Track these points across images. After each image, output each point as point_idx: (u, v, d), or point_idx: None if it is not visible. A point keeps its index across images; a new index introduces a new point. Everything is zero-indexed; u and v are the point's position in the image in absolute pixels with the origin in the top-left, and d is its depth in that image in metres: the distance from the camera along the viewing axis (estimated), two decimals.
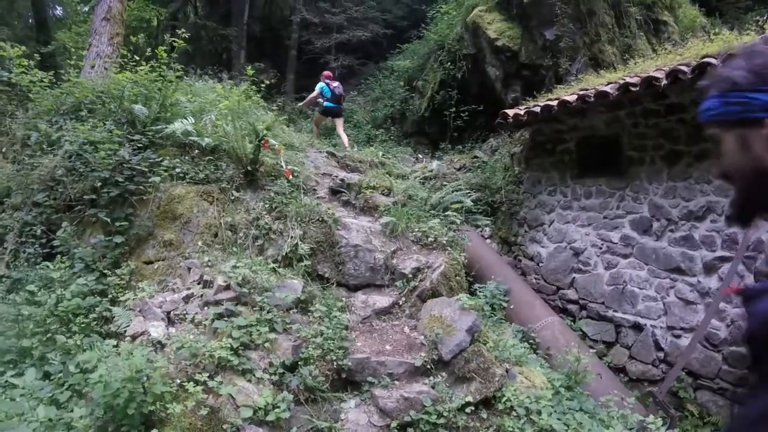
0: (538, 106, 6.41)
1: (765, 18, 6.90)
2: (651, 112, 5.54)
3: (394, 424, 3.53)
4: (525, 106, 6.85)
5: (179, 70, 6.56)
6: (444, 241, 5.66)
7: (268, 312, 4.00)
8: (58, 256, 4.80)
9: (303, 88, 11.53)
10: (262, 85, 7.84)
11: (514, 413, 3.80)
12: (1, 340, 3.86)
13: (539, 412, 3.79)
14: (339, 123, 10.23)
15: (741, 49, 1.06)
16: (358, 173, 7.69)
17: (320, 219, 5.36)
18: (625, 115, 5.83)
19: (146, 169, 5.29)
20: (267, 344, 3.70)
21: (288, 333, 3.96)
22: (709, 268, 4.95)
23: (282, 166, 6.01)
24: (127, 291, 4.55)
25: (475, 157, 9.41)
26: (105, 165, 5.14)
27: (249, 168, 5.71)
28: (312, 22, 17.23)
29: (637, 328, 5.56)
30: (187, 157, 5.72)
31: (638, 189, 5.69)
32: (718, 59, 4.38)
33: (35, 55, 7.05)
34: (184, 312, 4.04)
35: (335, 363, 3.80)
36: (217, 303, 3.95)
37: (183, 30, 7.12)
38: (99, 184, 5.10)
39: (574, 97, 5.77)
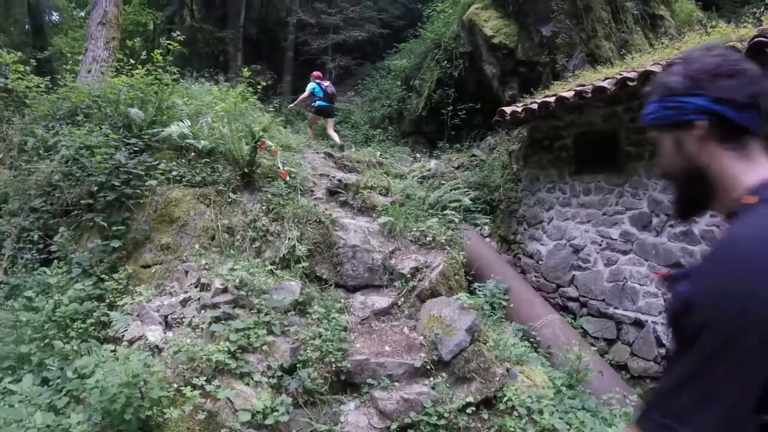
0: (536, 102, 6.39)
1: (762, 10, 6.87)
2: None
3: (394, 426, 3.51)
4: (522, 104, 6.83)
5: (175, 73, 6.54)
6: (442, 241, 5.64)
7: (265, 314, 3.98)
8: (56, 261, 4.79)
9: (300, 89, 11.56)
10: (259, 87, 7.82)
11: (515, 413, 3.78)
12: None
13: (541, 412, 3.77)
14: (330, 123, 10.25)
15: (680, 55, 1.14)
16: (356, 173, 7.67)
17: (317, 220, 5.34)
18: (623, 111, 5.81)
19: (143, 173, 5.27)
20: (265, 347, 3.68)
21: (286, 335, 3.94)
22: None
23: (279, 168, 5.99)
24: (124, 295, 4.53)
25: (473, 155, 9.39)
26: (101, 169, 5.13)
27: (246, 170, 5.69)
28: (308, 23, 17.23)
29: (639, 324, 5.53)
30: (183, 160, 5.70)
31: (637, 184, 5.66)
32: None
33: (31, 60, 7.05)
34: (182, 316, 4.02)
35: (334, 365, 3.78)
36: (215, 306, 3.93)
37: (178, 33, 7.10)
38: (95, 188, 5.09)
39: (572, 93, 5.75)
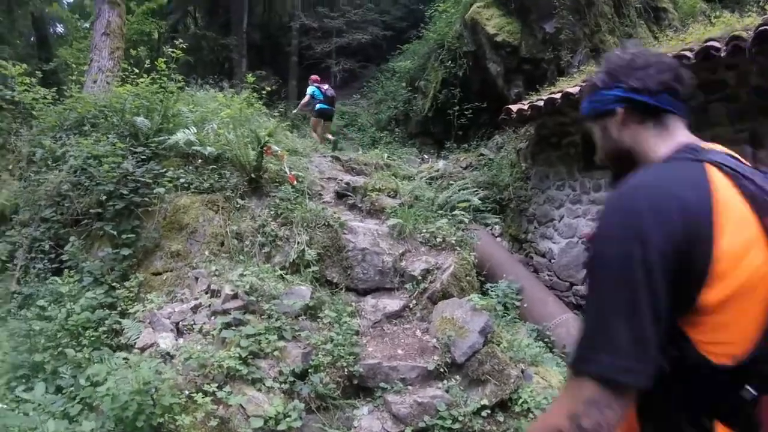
0: (542, 99, 6.34)
1: None
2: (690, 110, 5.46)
3: (408, 430, 3.48)
4: (528, 101, 6.78)
5: (180, 81, 6.56)
6: (453, 241, 5.59)
7: (276, 320, 3.95)
8: (67, 270, 4.81)
9: (305, 93, 11.65)
10: (263, 92, 7.84)
11: (531, 415, 3.73)
12: (13, 356, 3.87)
13: None
14: (327, 126, 10.29)
15: (605, 56, 1.32)
16: (364, 176, 7.65)
17: (326, 224, 5.31)
18: None
19: (151, 181, 5.29)
20: (276, 352, 3.66)
21: (297, 340, 3.92)
22: None
23: (286, 172, 5.98)
24: (136, 303, 4.54)
25: (481, 154, 9.34)
26: (109, 178, 5.15)
27: (253, 175, 5.69)
28: (311, 27, 17.29)
29: None
30: (190, 167, 5.71)
31: None
32: (720, 42, 4.29)
33: (37, 72, 7.10)
34: (193, 322, 4.01)
35: (346, 369, 3.74)
36: (225, 312, 3.91)
37: (181, 41, 7.13)
38: (104, 197, 5.12)
39: (577, 88, 5.69)
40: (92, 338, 4.02)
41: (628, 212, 0.96)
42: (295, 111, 11.38)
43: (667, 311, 0.91)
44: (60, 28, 20.68)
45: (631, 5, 8.60)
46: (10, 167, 6.36)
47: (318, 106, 10.16)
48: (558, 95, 6.00)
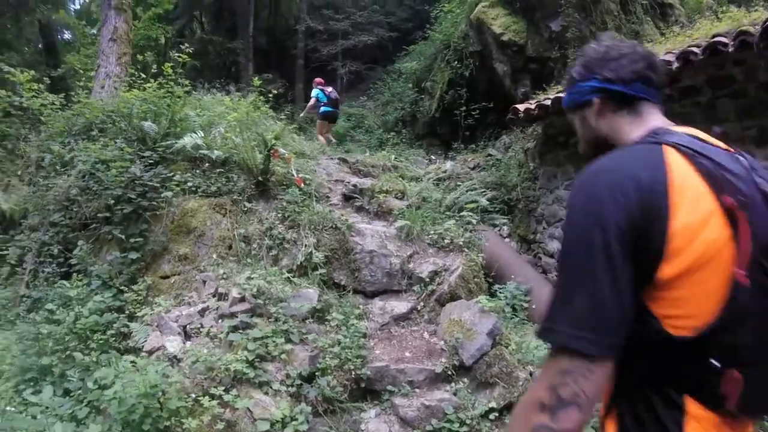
0: (549, 98, 6.29)
1: None
2: (664, 97, 5.39)
3: None
4: (535, 100, 6.73)
5: (187, 86, 6.59)
6: (461, 243, 5.57)
7: (283, 323, 3.95)
8: (75, 274, 4.85)
9: (310, 96, 11.75)
10: (270, 95, 7.86)
11: None
12: (22, 359, 3.90)
13: None
14: (330, 127, 10.50)
15: (583, 49, 1.38)
16: (371, 178, 7.63)
17: (334, 226, 5.31)
18: None
19: (158, 185, 5.32)
20: (283, 355, 3.65)
21: (305, 343, 3.91)
22: None
23: (293, 175, 5.98)
24: (144, 306, 4.57)
25: (489, 155, 9.30)
26: (117, 183, 5.19)
27: (260, 178, 5.69)
28: (317, 30, 17.32)
29: None
30: (198, 171, 5.74)
31: None
32: (727, 38, 4.24)
33: (45, 78, 7.17)
34: (200, 325, 4.01)
35: (353, 372, 3.73)
36: (232, 315, 3.92)
37: (187, 45, 7.16)
38: (112, 201, 5.15)
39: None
40: (100, 341, 4.04)
41: (589, 197, 1.01)
42: (302, 114, 11.43)
43: (628, 286, 0.95)
44: (67, 35, 20.84)
45: (638, 2, 8.53)
46: (20, 172, 6.43)
47: (322, 108, 10.29)
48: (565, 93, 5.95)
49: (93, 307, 4.29)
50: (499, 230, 7.56)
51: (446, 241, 5.58)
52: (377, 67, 17.30)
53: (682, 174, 0.99)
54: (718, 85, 4.82)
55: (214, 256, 4.98)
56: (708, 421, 1.00)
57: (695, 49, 4.49)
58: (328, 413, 3.49)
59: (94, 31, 15.62)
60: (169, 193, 5.25)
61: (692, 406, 1.00)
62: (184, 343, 3.86)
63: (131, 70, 7.54)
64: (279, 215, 5.40)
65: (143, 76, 6.63)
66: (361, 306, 4.80)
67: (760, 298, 0.97)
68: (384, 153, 9.75)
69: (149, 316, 4.32)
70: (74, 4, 22.93)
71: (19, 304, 4.93)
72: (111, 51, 8.42)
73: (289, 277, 4.67)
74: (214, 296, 4.36)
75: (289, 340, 3.83)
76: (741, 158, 1.08)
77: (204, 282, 4.67)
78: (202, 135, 5.91)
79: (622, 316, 0.95)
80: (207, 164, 5.81)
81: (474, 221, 6.15)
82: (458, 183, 7.75)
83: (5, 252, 5.40)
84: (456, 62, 10.99)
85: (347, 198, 6.54)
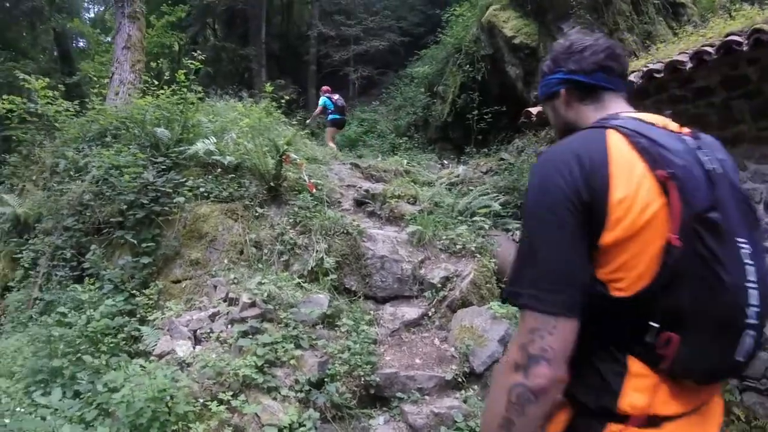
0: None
1: None
2: (678, 98, 5.30)
3: None
4: None
5: (200, 92, 6.64)
6: (473, 248, 5.51)
7: (293, 328, 3.94)
8: (87, 278, 4.89)
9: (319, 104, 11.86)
10: (282, 101, 7.89)
11: None
12: (33, 360, 3.93)
13: None
14: (336, 133, 10.66)
15: (552, 45, 1.49)
16: (383, 183, 7.61)
17: (345, 231, 5.29)
18: (652, 104, 5.59)
19: (171, 190, 5.35)
20: (293, 361, 3.64)
21: (314, 349, 3.89)
22: None
23: (305, 180, 5.98)
24: (155, 310, 4.59)
25: (501, 159, 9.22)
26: (130, 188, 5.23)
27: (272, 184, 5.70)
28: (329, 35, 17.42)
29: None
30: (210, 176, 5.77)
31: None
32: (742, 36, 4.15)
33: (60, 86, 7.28)
34: (210, 330, 4.01)
35: (363, 379, 3.70)
36: (243, 320, 3.91)
37: (200, 52, 7.22)
38: (125, 206, 5.20)
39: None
40: (111, 345, 4.07)
41: (542, 177, 1.13)
42: (308, 122, 11.54)
43: (581, 250, 1.06)
44: (82, 43, 21.28)
45: (650, 2, 8.42)
46: (34, 177, 6.52)
47: (330, 116, 10.51)
48: None
49: (104, 311, 4.32)
50: (512, 235, 7.48)
51: (458, 246, 5.53)
52: (389, 72, 17.33)
53: (620, 152, 1.10)
54: (732, 85, 4.73)
55: (226, 261, 4.99)
56: (647, 379, 1.08)
57: (709, 49, 4.41)
58: (337, 419, 3.47)
59: (109, 39, 15.88)
60: (182, 199, 5.28)
61: (634, 366, 1.09)
62: (193, 347, 3.86)
63: (145, 77, 7.63)
64: (290, 220, 5.40)
65: (156, 83, 6.70)
66: (371, 312, 4.77)
67: (695, 264, 1.04)
68: (396, 158, 9.74)
69: (160, 320, 4.33)
70: (89, 12, 23.43)
71: (32, 306, 4.99)
72: (125, 58, 8.54)
73: (299, 283, 4.66)
74: (224, 301, 4.36)
75: (298, 346, 3.82)
76: (687, 138, 1.17)
77: (215, 287, 4.68)
78: (215, 141, 5.94)
79: (578, 277, 1.05)
80: (219, 170, 5.84)
81: (486, 226, 6.09)
82: (471, 187, 7.69)
83: (19, 255, 5.48)
84: (468, 66, 10.95)
85: (359, 203, 6.53)
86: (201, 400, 3.17)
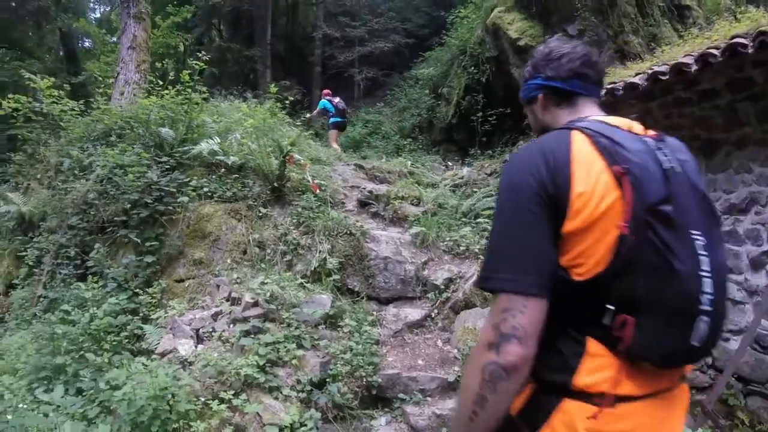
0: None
1: None
2: (683, 101, 5.28)
3: None
4: None
5: (204, 92, 6.66)
6: (476, 250, 5.50)
7: (295, 328, 3.93)
8: (91, 276, 4.90)
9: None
10: (287, 102, 7.90)
11: None
12: (36, 358, 3.94)
13: None
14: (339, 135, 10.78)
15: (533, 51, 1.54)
16: (387, 184, 7.61)
17: (348, 232, 5.29)
18: (657, 107, 5.56)
19: (175, 190, 5.37)
20: (294, 361, 3.63)
21: (316, 349, 3.89)
22: (756, 264, 4.64)
23: (308, 181, 5.99)
24: (158, 309, 4.59)
25: (506, 161, 9.19)
26: (134, 187, 5.25)
27: (275, 184, 5.71)
28: (334, 37, 17.41)
29: None
30: (214, 176, 5.78)
31: None
32: (747, 39, 4.13)
33: (65, 85, 7.31)
34: (213, 329, 4.02)
35: (365, 379, 3.69)
36: (245, 320, 3.91)
37: (204, 52, 7.24)
38: (129, 206, 5.22)
39: (602, 91, 5.55)
40: (113, 343, 4.07)
41: (512, 174, 1.23)
42: (309, 116, 11.57)
43: (548, 237, 1.14)
44: (87, 43, 21.37)
45: (655, 4, 8.38)
46: (39, 176, 6.55)
47: (332, 119, 10.64)
48: None
49: (108, 309, 4.33)
50: None
51: (462, 248, 5.52)
52: (394, 74, 17.33)
53: (582, 151, 1.19)
54: (737, 88, 4.71)
55: (229, 260, 4.99)
56: (604, 359, 1.14)
57: (714, 51, 4.39)
58: (338, 420, 3.46)
59: (114, 39, 15.94)
60: (185, 198, 5.29)
61: (592, 346, 1.15)
62: (195, 346, 3.87)
63: (150, 77, 7.66)
64: (294, 221, 5.40)
65: (161, 83, 6.72)
66: (374, 312, 4.77)
67: (648, 252, 1.11)
68: (400, 159, 9.74)
69: (163, 319, 4.34)
70: (95, 12, 23.55)
71: (36, 304, 5.01)
72: (130, 58, 8.57)
73: (302, 283, 4.66)
74: (227, 300, 4.37)
75: (300, 346, 3.81)
76: (648, 140, 1.26)
77: (218, 286, 4.68)
78: (219, 141, 5.95)
79: (546, 261, 1.14)
80: (223, 170, 5.86)
81: (490, 228, 6.07)
82: (475, 189, 7.67)
83: (24, 253, 5.50)
84: (472, 68, 10.95)
85: (363, 204, 6.53)
86: (202, 399, 3.17)
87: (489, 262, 1.20)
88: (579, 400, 1.14)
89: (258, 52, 17.73)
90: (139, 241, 5.07)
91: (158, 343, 3.97)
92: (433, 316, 4.83)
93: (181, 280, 4.99)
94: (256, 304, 4.11)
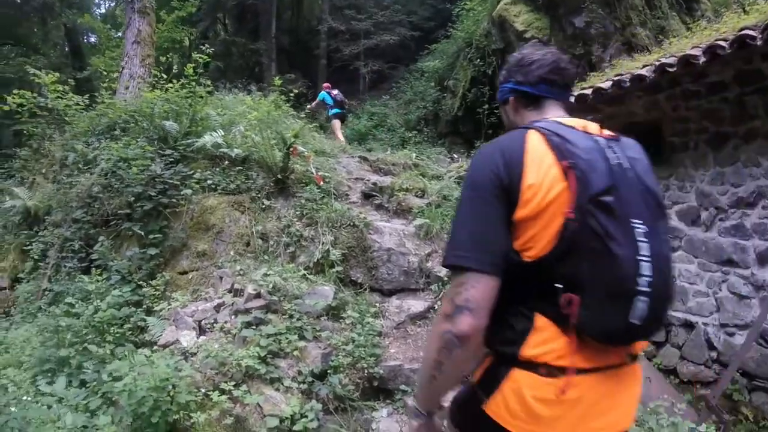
0: (572, 95, 6.15)
1: None
2: (691, 93, 5.22)
3: None
4: None
5: (209, 86, 6.66)
6: None
7: (297, 319, 3.94)
8: (95, 269, 4.93)
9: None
10: (291, 95, 7.89)
11: None
12: (41, 350, 3.98)
13: None
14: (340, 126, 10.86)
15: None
16: (391, 176, 7.58)
17: (352, 224, 5.28)
18: (665, 99, 5.50)
19: (178, 183, 5.39)
20: (296, 352, 3.64)
21: (318, 341, 3.89)
22: (763, 259, 4.58)
23: (312, 173, 5.98)
24: (161, 301, 4.62)
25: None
26: (138, 180, 5.27)
27: (279, 176, 5.71)
28: (339, 30, 17.36)
29: (689, 326, 5.21)
30: (217, 169, 5.79)
31: (683, 177, 5.35)
32: (756, 30, 4.06)
33: (70, 80, 7.35)
34: (215, 321, 4.03)
35: (366, 371, 3.69)
36: (247, 311, 3.92)
37: (208, 46, 7.24)
38: (133, 198, 5.25)
39: (609, 83, 5.48)
40: (117, 335, 4.10)
41: (475, 167, 1.37)
42: (309, 107, 11.64)
43: (501, 222, 1.28)
44: (92, 38, 21.46)
45: None
46: (44, 171, 6.59)
47: (331, 111, 10.82)
48: (589, 91, 5.80)
49: (111, 301, 4.36)
50: None
51: None
52: (400, 66, 17.25)
53: (535, 147, 1.31)
54: (746, 80, 4.64)
55: (232, 252, 5.00)
56: (550, 333, 1.26)
57: (723, 43, 4.32)
58: (339, 411, 3.46)
59: (119, 34, 15.97)
60: (189, 191, 5.31)
61: (539, 321, 1.27)
62: (197, 337, 3.88)
63: (155, 72, 7.67)
64: (297, 213, 5.40)
65: (165, 77, 6.72)
66: (377, 304, 4.75)
67: (590, 238, 1.22)
68: (405, 151, 9.70)
69: (166, 311, 4.36)
70: (99, 8, 23.61)
71: (42, 297, 5.06)
72: (135, 53, 8.59)
73: (305, 274, 4.66)
74: (230, 292, 4.37)
75: (302, 337, 3.81)
76: (599, 138, 1.37)
77: (221, 278, 4.69)
78: (223, 133, 5.95)
79: (499, 243, 1.27)
80: (227, 162, 5.86)
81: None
82: None
83: (29, 247, 5.54)
84: (479, 60, 10.88)
85: (367, 196, 6.51)
86: (203, 390, 3.19)
87: (450, 243, 1.32)
88: (526, 370, 1.27)
89: (263, 45, 17.71)
90: (142, 233, 5.09)
91: (161, 335, 3.98)
92: (436, 307, 4.81)
93: (185, 272, 5.01)
94: (258, 296, 4.11)
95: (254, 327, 3.75)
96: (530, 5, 9.40)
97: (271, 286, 4.19)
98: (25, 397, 3.13)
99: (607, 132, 1.46)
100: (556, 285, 1.25)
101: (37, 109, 6.80)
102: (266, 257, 4.96)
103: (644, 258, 1.23)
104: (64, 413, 2.89)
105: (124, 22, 9.83)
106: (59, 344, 3.91)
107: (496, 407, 1.30)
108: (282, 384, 3.38)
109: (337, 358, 3.70)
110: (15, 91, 6.71)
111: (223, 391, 3.18)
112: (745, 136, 4.76)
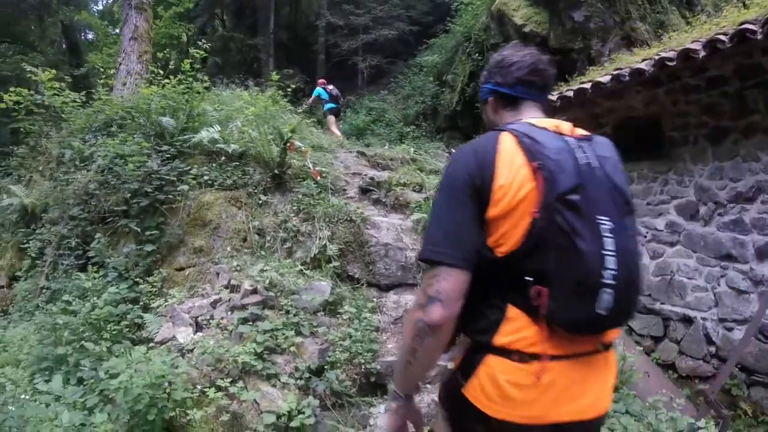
0: (571, 90, 6.12)
1: None
2: (691, 87, 5.20)
3: (425, 429, 3.38)
4: (558, 92, 6.56)
5: (206, 81, 6.63)
6: None
7: (294, 315, 3.92)
8: (91, 266, 4.91)
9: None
10: (289, 90, 7.86)
11: None
12: (38, 348, 3.96)
13: None
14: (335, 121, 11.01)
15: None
16: (389, 171, 7.55)
17: (349, 219, 5.26)
18: (664, 93, 5.48)
19: (175, 179, 5.36)
20: (293, 348, 3.62)
21: (315, 336, 3.87)
22: (762, 254, 4.58)
23: (309, 168, 5.96)
24: (158, 298, 4.60)
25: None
26: (135, 177, 5.25)
27: (276, 171, 5.69)
28: (337, 25, 17.32)
29: (687, 321, 5.20)
30: (214, 165, 5.77)
31: (682, 171, 5.33)
32: (756, 25, 4.04)
33: (67, 77, 7.32)
34: (211, 317, 4.01)
35: (364, 366, 3.68)
36: (243, 307, 3.90)
37: (204, 41, 7.20)
38: (129, 195, 5.23)
39: (608, 77, 5.46)
40: (114, 332, 4.08)
41: (451, 168, 1.43)
42: (306, 103, 11.67)
43: (474, 219, 1.35)
44: (90, 35, 21.42)
45: None
46: (41, 168, 6.57)
47: (326, 106, 10.96)
48: (588, 85, 5.78)
49: (108, 299, 4.33)
50: None
51: None
52: (398, 61, 17.22)
53: (507, 149, 1.38)
54: (746, 74, 4.62)
55: (229, 248, 4.99)
56: (521, 323, 1.35)
57: (723, 37, 4.30)
58: (337, 407, 3.45)
59: (116, 30, 15.91)
60: (186, 187, 5.28)
61: (511, 312, 1.36)
62: (194, 334, 3.87)
63: (152, 68, 7.64)
64: (294, 208, 5.39)
65: (162, 73, 6.69)
66: (374, 299, 4.74)
67: (556, 234, 1.29)
68: (403, 146, 9.66)
69: (163, 308, 4.34)
70: (97, 4, 23.53)
71: (39, 295, 5.04)
72: (132, 49, 8.56)
73: (302, 270, 4.64)
74: (226, 288, 4.36)
75: (299, 333, 3.80)
76: (570, 139, 1.42)
77: (218, 274, 4.68)
78: (219, 129, 5.92)
79: (470, 240, 1.34)
80: (223, 158, 5.84)
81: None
82: None
83: (27, 245, 5.53)
84: (477, 55, 10.85)
85: (364, 191, 6.48)
86: (199, 387, 3.17)
87: (425, 239, 1.39)
88: (499, 356, 1.36)
89: (261, 41, 17.67)
90: (139, 230, 5.07)
91: (158, 332, 3.97)
92: None
93: (182, 269, 5.00)
94: (255, 292, 4.10)
95: (251, 323, 3.73)
96: None
97: (267, 281, 4.17)
98: (22, 396, 3.12)
99: (579, 132, 1.51)
100: (527, 278, 1.32)
101: (34, 107, 6.77)
102: (263, 253, 4.95)
103: (609, 252, 1.29)
104: (61, 411, 2.88)
105: (121, 19, 9.79)
106: (56, 342, 3.90)
107: (473, 390, 1.39)
108: (279, 380, 3.37)
109: (334, 354, 3.69)
110: (12, 89, 6.68)
111: (219, 388, 3.16)
112: (745, 131, 4.74)
